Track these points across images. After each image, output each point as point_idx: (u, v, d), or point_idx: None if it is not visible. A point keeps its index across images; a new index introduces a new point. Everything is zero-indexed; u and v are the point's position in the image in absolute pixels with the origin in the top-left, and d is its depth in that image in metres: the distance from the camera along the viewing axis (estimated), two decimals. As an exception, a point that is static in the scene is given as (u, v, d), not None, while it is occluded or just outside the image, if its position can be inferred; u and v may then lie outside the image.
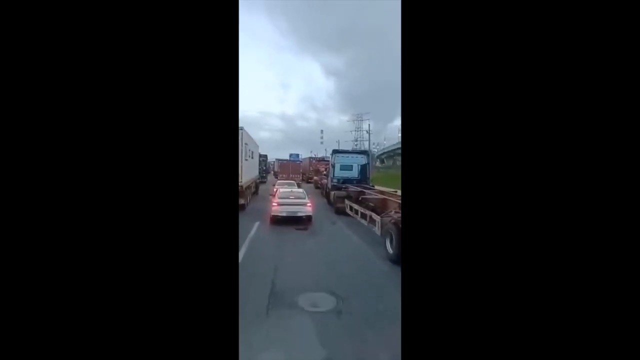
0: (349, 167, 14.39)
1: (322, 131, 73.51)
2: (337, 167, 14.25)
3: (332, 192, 13.67)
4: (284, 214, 9.33)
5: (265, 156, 30.50)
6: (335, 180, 14.11)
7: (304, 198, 9.99)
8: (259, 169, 25.61)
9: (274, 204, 9.51)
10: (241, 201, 11.77)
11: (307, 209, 9.52)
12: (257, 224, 9.53)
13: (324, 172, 26.35)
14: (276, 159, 28.86)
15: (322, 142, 49.13)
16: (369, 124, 47.21)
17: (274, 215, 9.42)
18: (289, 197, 9.82)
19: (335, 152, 15.11)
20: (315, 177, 26.38)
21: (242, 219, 10.25)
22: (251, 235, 8.04)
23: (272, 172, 35.69)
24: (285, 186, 15.05)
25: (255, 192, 18.57)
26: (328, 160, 31.58)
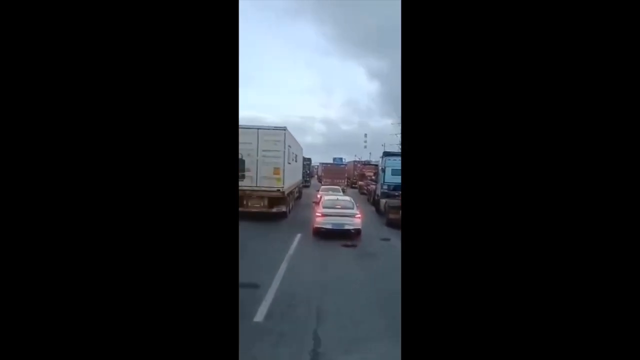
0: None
1: (365, 135, 72.33)
2: (389, 171, 12.57)
3: (383, 200, 12.12)
4: (329, 227, 8.10)
5: (309, 159, 29.91)
6: (385, 187, 12.52)
7: (352, 208, 8.66)
8: (303, 172, 24.98)
9: (317, 213, 8.33)
10: (282, 208, 10.83)
11: (356, 221, 8.17)
12: (298, 236, 8.44)
13: (371, 177, 24.94)
14: (320, 163, 27.99)
15: (365, 146, 47.39)
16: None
17: (317, 227, 8.24)
18: (334, 207, 8.56)
19: (386, 154, 13.47)
20: (360, 182, 25.07)
21: (283, 230, 9.26)
22: (290, 252, 6.94)
23: (316, 176, 35.04)
24: (330, 193, 13.85)
25: (299, 197, 17.71)
26: (374, 164, 30.28)
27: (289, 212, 11.85)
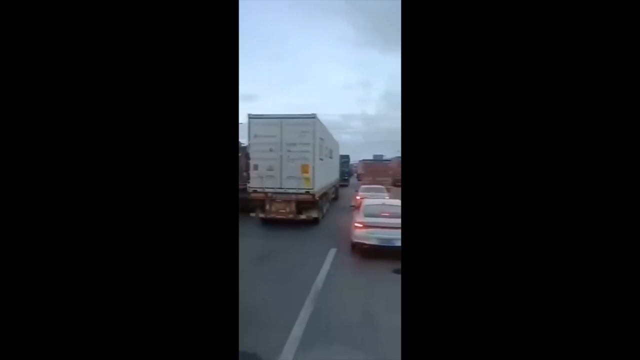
0: None
1: None
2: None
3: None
4: (374, 242, 5.90)
5: (348, 156, 27.77)
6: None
7: None
8: (340, 171, 22.92)
9: (357, 224, 6.16)
10: (313, 214, 8.84)
11: (411, 234, 5.88)
12: (332, 253, 6.37)
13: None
14: (360, 160, 25.64)
15: None
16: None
17: (357, 243, 6.09)
18: (380, 214, 6.32)
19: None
20: (406, 181, 22.23)
21: (312, 243, 7.21)
22: (319, 282, 4.88)
23: (355, 174, 32.82)
24: (373, 194, 11.55)
25: (335, 198, 15.65)
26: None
27: (322, 218, 9.82)
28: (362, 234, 6.00)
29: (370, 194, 11.47)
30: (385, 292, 4.47)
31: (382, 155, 27.23)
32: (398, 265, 5.60)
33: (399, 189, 17.13)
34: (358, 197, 10.56)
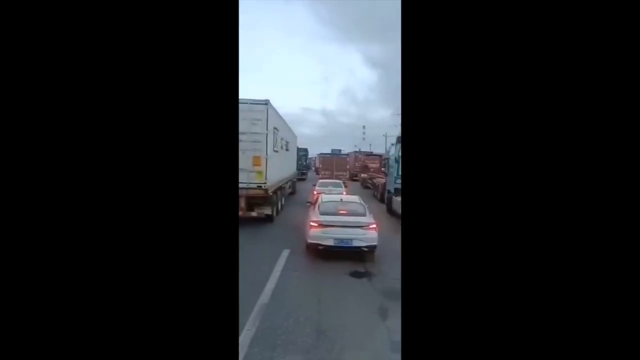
0: None
1: (364, 127, 71.70)
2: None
3: (398, 199, 9.45)
4: (330, 243, 5.38)
5: (306, 150, 27.19)
6: (399, 181, 9.83)
7: (365, 214, 5.88)
8: (298, 164, 22.27)
9: (312, 223, 5.59)
10: (266, 211, 8.12)
11: (371, 234, 5.45)
12: (285, 254, 5.75)
13: (372, 170, 22.22)
14: (318, 154, 25.18)
15: (364, 138, 46.38)
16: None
17: (312, 244, 5.53)
18: (337, 212, 5.83)
19: (400, 139, 10.68)
20: (363, 175, 22.40)
21: (265, 243, 6.48)
22: (268, 291, 4.24)
23: (313, 168, 32.41)
24: (331, 189, 11.12)
25: (293, 192, 15.00)
26: (376, 155, 27.59)
27: (276, 214, 9.13)
28: (317, 234, 5.45)
29: (327, 188, 11.03)
30: (341, 301, 3.97)
31: (340, 150, 27.03)
32: (354, 268, 5.17)
33: (357, 184, 17.06)
34: (315, 192, 10.04)
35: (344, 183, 14.19)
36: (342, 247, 5.35)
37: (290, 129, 13.20)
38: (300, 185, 18.16)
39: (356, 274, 4.93)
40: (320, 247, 5.42)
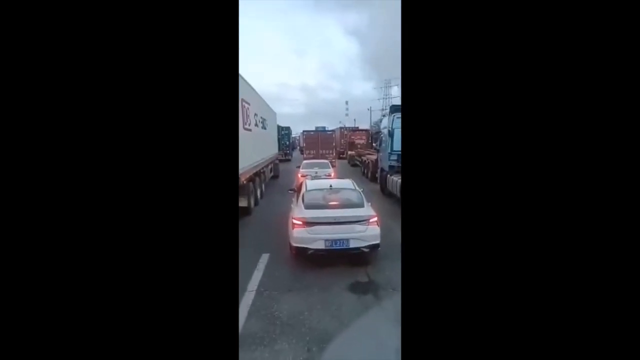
0: None
1: (347, 102, 69.66)
2: (398, 134, 8.46)
3: (394, 178, 8.21)
4: (320, 246, 4.11)
5: (288, 128, 25.45)
6: (395, 157, 8.56)
7: (361, 203, 4.57)
8: (281, 144, 20.64)
9: (295, 220, 4.27)
10: (241, 202, 6.73)
11: (371, 229, 4.19)
12: (264, 261, 4.46)
13: (360, 146, 20.87)
14: (302, 132, 23.55)
15: (347, 114, 44.83)
16: (399, 90, 39.84)
17: (297, 248, 4.24)
18: (327, 204, 4.53)
19: (394, 109, 9.24)
20: (350, 152, 21.05)
21: (239, 245, 5.25)
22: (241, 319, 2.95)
23: (298, 147, 30.79)
24: (317, 169, 9.76)
25: (276, 176, 13.58)
26: (363, 130, 26.14)
27: (256, 204, 7.76)
28: (302, 235, 4.14)
29: (313, 170, 9.67)
30: (337, 330, 2.74)
31: (324, 127, 25.41)
32: (354, 276, 3.95)
33: (344, 162, 15.51)
34: (298, 176, 8.69)
35: (331, 163, 12.84)
36: (336, 249, 4.09)
37: (267, 105, 11.56)
38: (284, 167, 16.71)
39: (357, 288, 3.70)
40: (309, 252, 4.14)
